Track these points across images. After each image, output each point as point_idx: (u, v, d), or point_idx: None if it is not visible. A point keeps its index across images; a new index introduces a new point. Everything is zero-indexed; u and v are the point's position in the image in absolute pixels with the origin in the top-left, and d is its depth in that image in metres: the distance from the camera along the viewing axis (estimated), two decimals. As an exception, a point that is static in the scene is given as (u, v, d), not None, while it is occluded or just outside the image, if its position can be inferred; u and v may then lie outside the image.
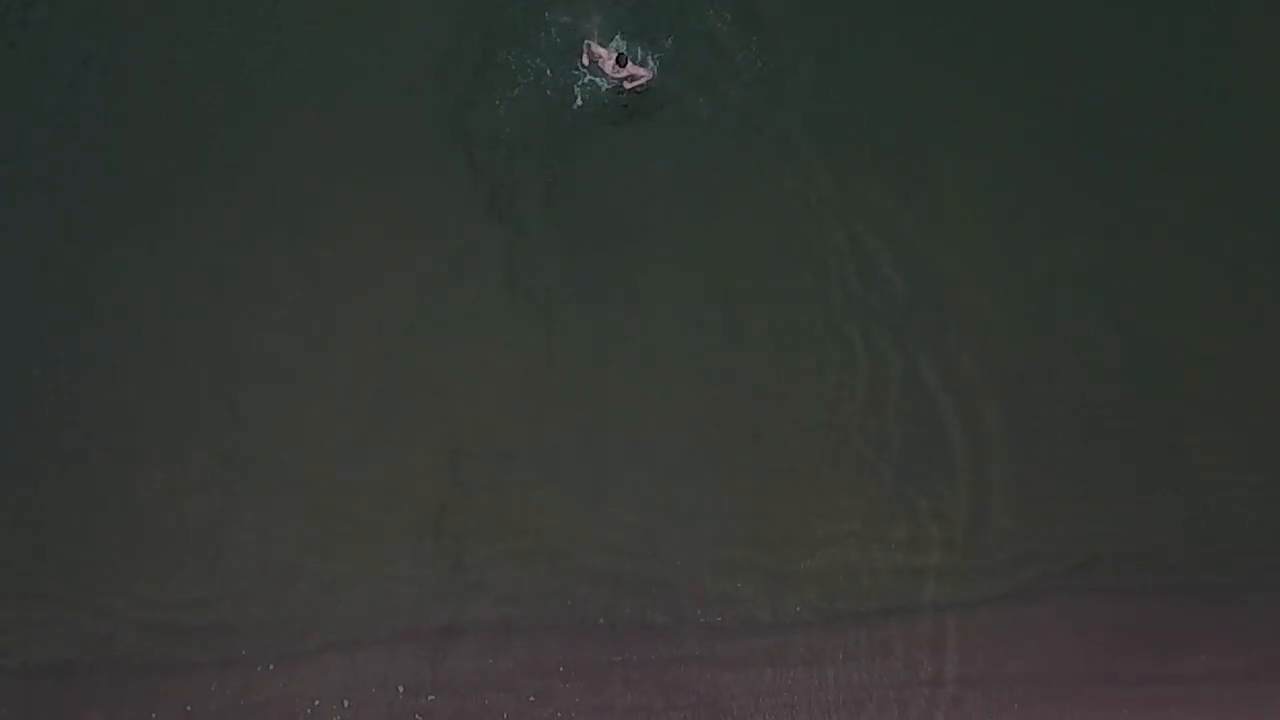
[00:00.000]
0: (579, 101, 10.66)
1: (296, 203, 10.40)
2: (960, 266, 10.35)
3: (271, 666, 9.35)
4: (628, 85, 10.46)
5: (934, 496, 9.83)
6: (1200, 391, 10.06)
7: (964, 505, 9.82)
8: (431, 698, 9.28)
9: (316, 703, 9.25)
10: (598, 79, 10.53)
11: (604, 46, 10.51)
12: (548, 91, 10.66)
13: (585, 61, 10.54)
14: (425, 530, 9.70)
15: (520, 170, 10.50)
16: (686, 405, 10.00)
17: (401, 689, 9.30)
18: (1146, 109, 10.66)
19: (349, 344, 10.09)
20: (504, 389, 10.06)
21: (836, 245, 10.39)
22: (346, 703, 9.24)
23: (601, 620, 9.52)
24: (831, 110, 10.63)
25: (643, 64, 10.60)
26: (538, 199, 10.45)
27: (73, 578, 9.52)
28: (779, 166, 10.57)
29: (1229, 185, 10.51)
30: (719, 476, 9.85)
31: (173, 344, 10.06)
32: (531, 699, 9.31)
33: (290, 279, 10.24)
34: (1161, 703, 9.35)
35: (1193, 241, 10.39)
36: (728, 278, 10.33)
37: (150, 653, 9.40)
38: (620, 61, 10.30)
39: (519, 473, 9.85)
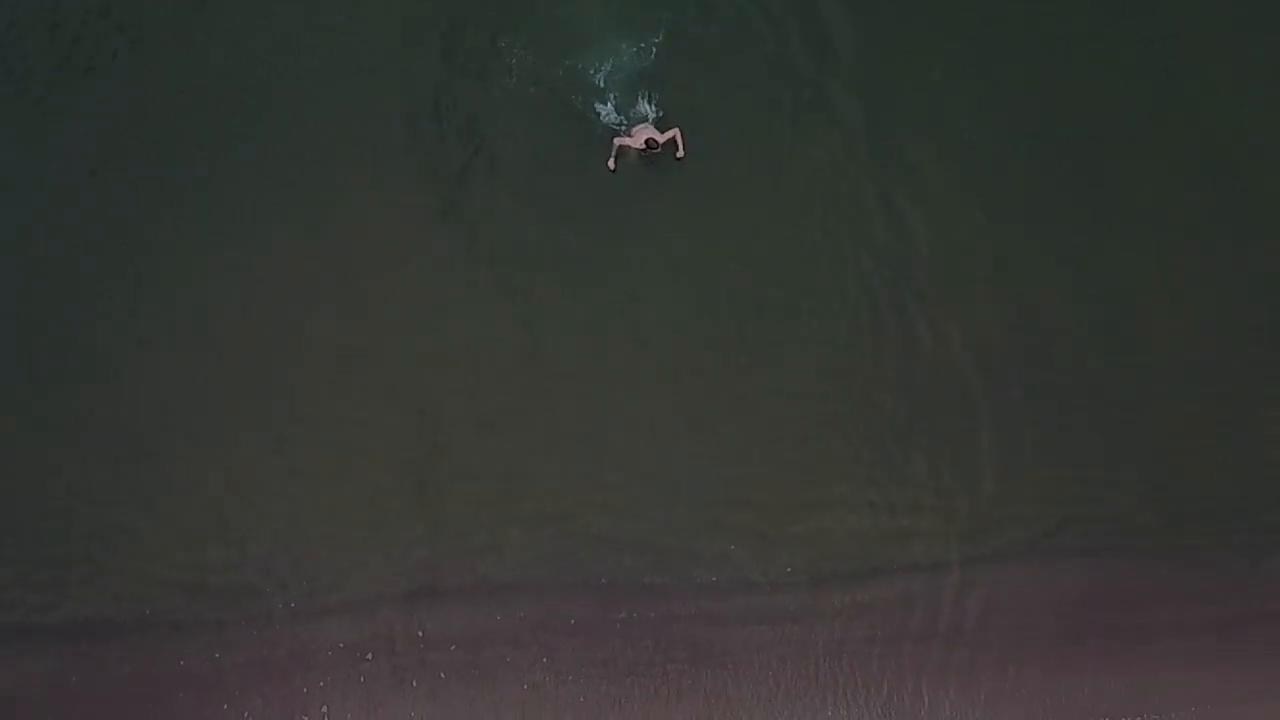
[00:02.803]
0: (574, 93, 11.05)
1: (300, 192, 10.82)
2: (950, 247, 10.75)
3: (294, 623, 9.85)
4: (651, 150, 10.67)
5: (916, 464, 10.27)
6: (1165, 367, 10.48)
7: (945, 473, 10.26)
8: (448, 649, 9.82)
9: (340, 654, 9.77)
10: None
11: (630, 135, 10.71)
12: (543, 78, 11.08)
13: (613, 164, 10.74)
14: (437, 497, 10.19)
15: (516, 152, 10.89)
16: (681, 375, 10.43)
17: (419, 643, 9.83)
18: (1138, 110, 11.07)
19: (361, 330, 10.54)
20: (503, 364, 10.48)
21: (829, 223, 10.77)
22: (369, 655, 9.78)
23: (603, 580, 9.99)
24: (837, 90, 11.03)
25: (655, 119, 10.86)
26: (534, 174, 10.84)
27: (108, 541, 10.01)
28: (777, 140, 10.96)
29: (1199, 180, 10.91)
30: (713, 443, 10.28)
31: (194, 329, 10.52)
32: (539, 653, 9.81)
33: (299, 264, 10.67)
34: (1130, 656, 9.83)
35: (1163, 228, 10.80)
36: (721, 251, 10.72)
37: (179, 611, 9.89)
38: (650, 146, 10.49)
39: (523, 443, 10.30)
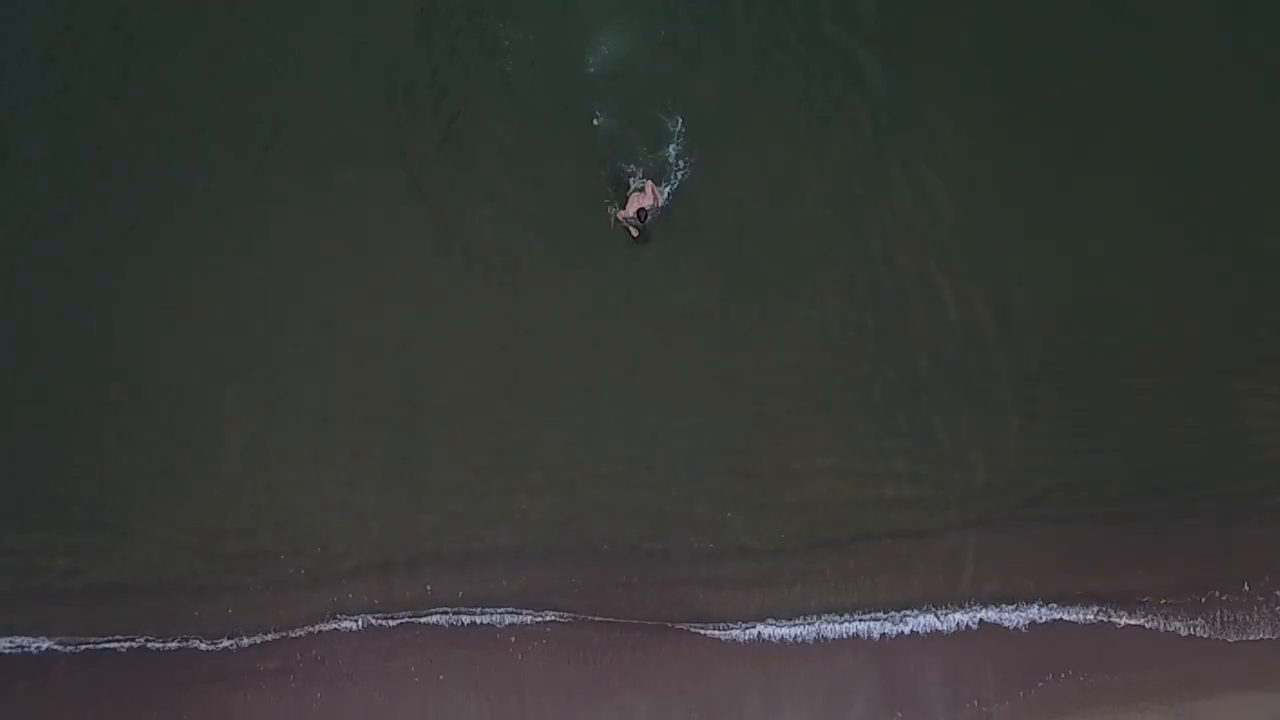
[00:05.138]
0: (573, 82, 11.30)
1: (296, 180, 11.16)
2: (935, 231, 11.05)
3: (309, 586, 10.26)
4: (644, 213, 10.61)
5: (904, 436, 10.64)
6: (1139, 342, 10.83)
7: (931, 444, 10.63)
8: (455, 613, 10.23)
9: (351, 618, 10.19)
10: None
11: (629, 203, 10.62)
12: (543, 64, 11.36)
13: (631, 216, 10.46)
14: (445, 467, 10.57)
15: (513, 137, 11.15)
16: (680, 350, 10.77)
17: (429, 605, 10.24)
18: (1122, 106, 11.34)
19: (365, 313, 10.89)
20: (506, 341, 10.83)
21: (819, 206, 11.06)
22: (380, 617, 10.19)
23: (604, 547, 10.37)
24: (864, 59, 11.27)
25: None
26: (533, 160, 11.11)
27: (130, 509, 10.41)
28: (797, 111, 11.23)
29: (1179, 172, 11.23)
30: (711, 416, 10.63)
31: (210, 314, 10.88)
32: (543, 615, 10.22)
33: (306, 258, 11.02)
34: (1106, 618, 10.23)
35: (1142, 214, 11.13)
36: (722, 227, 11.01)
37: (199, 575, 10.31)
38: (640, 217, 10.37)
39: (529, 415, 10.65)
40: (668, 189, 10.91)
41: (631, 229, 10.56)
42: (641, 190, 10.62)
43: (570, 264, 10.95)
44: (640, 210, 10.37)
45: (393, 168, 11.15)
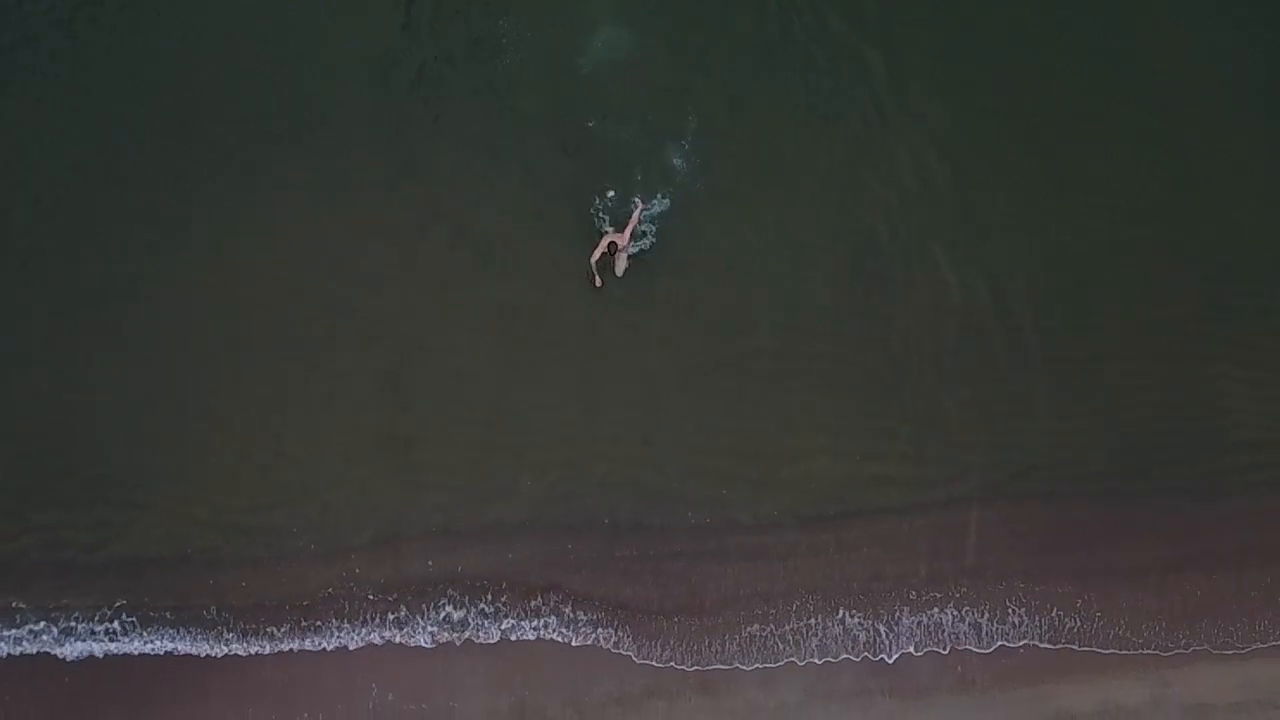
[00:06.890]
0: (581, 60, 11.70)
1: (292, 165, 11.49)
2: (930, 216, 11.48)
3: (324, 560, 10.53)
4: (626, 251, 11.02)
5: (891, 416, 11.01)
6: (1117, 325, 11.25)
7: (917, 423, 10.99)
8: (461, 585, 10.55)
9: (360, 590, 10.51)
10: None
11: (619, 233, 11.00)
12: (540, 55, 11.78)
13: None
14: (453, 446, 10.88)
15: (530, 114, 11.55)
16: (676, 330, 11.14)
17: (431, 579, 10.55)
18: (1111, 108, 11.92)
19: (370, 302, 11.23)
20: (508, 327, 11.16)
21: (821, 189, 11.51)
22: (388, 590, 10.50)
23: (605, 521, 10.67)
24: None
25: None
26: (550, 136, 11.52)
27: (150, 486, 10.68)
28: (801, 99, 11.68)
29: (1159, 166, 11.76)
30: (707, 396, 10.99)
31: (221, 300, 11.18)
32: (546, 588, 10.54)
33: (319, 231, 11.35)
34: (1086, 594, 10.58)
35: (1117, 203, 11.62)
36: (714, 213, 11.40)
37: (217, 550, 10.54)
38: (612, 250, 10.84)
39: (527, 395, 10.97)
40: (666, 198, 11.34)
41: (595, 276, 11.01)
42: (617, 232, 11.03)
43: (566, 247, 11.27)
44: (612, 245, 10.83)
45: (387, 157, 11.51)
